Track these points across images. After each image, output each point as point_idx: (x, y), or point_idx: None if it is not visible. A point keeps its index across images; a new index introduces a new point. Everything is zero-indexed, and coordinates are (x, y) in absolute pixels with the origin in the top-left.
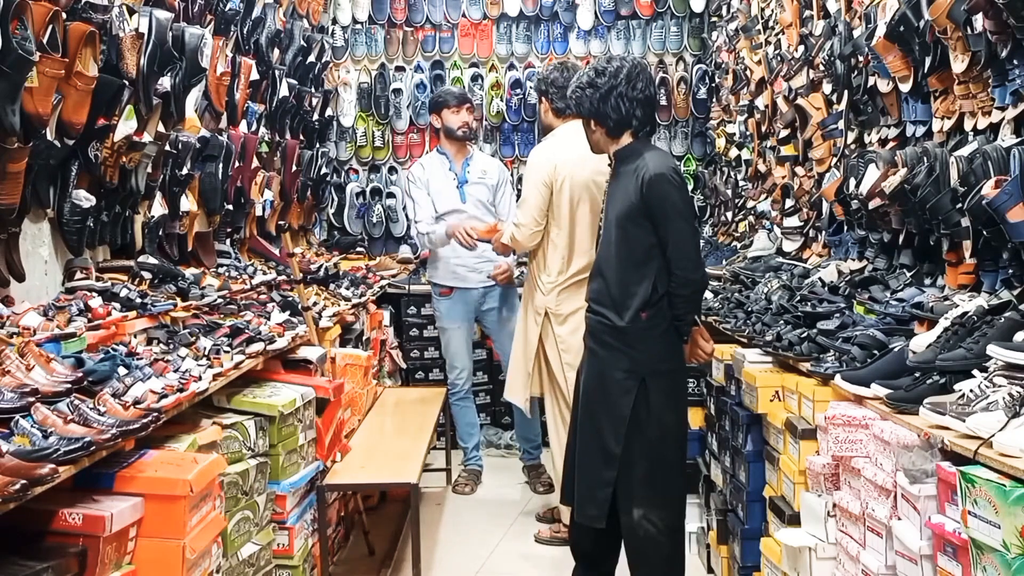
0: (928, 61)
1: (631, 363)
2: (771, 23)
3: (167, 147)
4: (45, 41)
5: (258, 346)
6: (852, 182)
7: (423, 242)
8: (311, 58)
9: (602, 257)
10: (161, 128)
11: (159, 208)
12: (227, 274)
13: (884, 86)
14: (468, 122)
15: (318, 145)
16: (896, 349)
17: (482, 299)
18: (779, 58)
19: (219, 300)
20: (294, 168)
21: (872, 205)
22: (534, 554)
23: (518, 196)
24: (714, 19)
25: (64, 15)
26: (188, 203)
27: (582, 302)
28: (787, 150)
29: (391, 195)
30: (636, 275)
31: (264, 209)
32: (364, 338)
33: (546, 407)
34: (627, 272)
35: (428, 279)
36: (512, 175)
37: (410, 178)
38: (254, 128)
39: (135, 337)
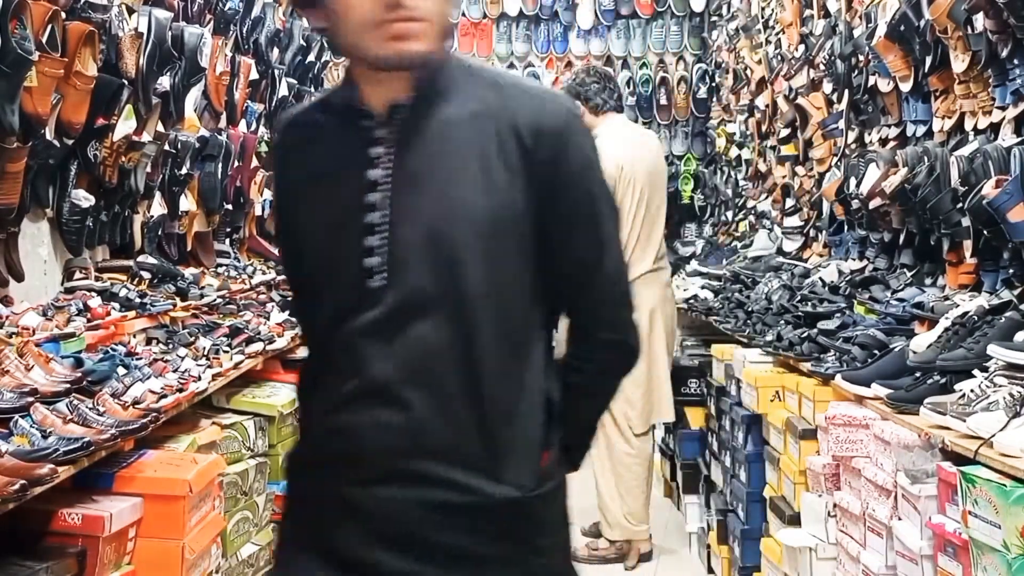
0: (928, 61)
1: None
2: (771, 22)
3: (166, 147)
4: (44, 41)
5: (257, 346)
6: (852, 182)
7: None
8: (311, 57)
9: (408, 339)
10: (160, 128)
11: (158, 208)
12: (226, 274)
13: (884, 86)
14: None
15: None
16: (897, 349)
17: None
18: (779, 57)
19: (218, 300)
20: None
21: (872, 205)
22: None
23: None
24: (714, 18)
25: (63, 14)
26: (187, 203)
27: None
28: (787, 150)
29: None
30: (518, 364)
31: (263, 209)
32: None
33: None
34: (501, 359)
35: None
36: None
37: None
38: (253, 128)
39: (134, 337)
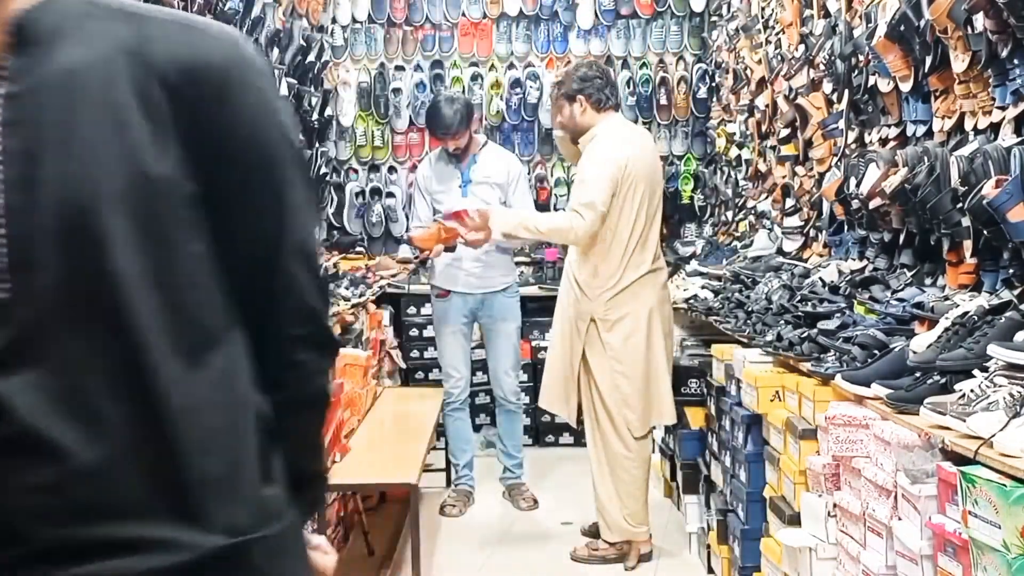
0: (928, 61)
1: None
2: (771, 22)
3: None
4: None
5: None
6: (852, 182)
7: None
8: (311, 57)
9: (52, 364)
10: None
11: None
12: None
13: (884, 86)
14: (452, 147)
15: (317, 145)
16: (896, 349)
17: (480, 306)
18: (779, 57)
19: None
20: None
21: (872, 205)
22: (535, 555)
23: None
24: (714, 18)
25: None
26: None
27: (632, 307)
28: (787, 150)
29: (391, 195)
30: (210, 374)
31: None
32: (363, 338)
33: (585, 422)
34: (184, 369)
35: (427, 280)
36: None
37: (415, 180)
38: None
39: None
